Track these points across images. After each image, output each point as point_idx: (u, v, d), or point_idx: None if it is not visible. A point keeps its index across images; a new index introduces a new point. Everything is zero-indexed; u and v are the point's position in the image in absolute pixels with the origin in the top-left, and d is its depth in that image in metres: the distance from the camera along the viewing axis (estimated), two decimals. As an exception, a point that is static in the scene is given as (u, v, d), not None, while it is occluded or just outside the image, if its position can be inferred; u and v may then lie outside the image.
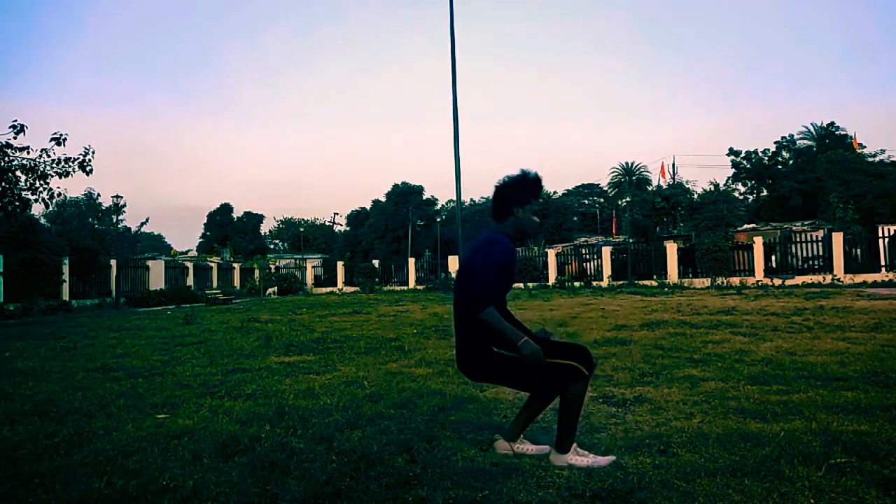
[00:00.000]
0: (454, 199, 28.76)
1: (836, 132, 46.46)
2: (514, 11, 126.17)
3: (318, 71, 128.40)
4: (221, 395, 5.06)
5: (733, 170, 45.17)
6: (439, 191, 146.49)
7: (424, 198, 53.71)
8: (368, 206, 57.29)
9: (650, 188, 56.42)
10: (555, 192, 58.54)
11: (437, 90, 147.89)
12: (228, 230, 57.81)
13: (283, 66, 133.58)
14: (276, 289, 32.96)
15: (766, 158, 43.89)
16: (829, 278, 22.56)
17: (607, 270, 27.89)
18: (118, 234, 41.55)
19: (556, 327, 9.30)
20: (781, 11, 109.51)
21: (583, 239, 41.47)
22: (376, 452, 3.26)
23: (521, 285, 27.10)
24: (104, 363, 7.14)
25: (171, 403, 4.77)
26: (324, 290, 35.24)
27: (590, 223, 60.51)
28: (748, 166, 44.34)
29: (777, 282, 22.96)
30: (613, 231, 47.42)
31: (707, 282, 24.56)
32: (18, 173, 13.82)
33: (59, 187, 32.96)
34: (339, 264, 37.98)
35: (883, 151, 40.80)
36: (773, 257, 25.70)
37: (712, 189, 41.59)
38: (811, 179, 38.72)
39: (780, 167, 43.53)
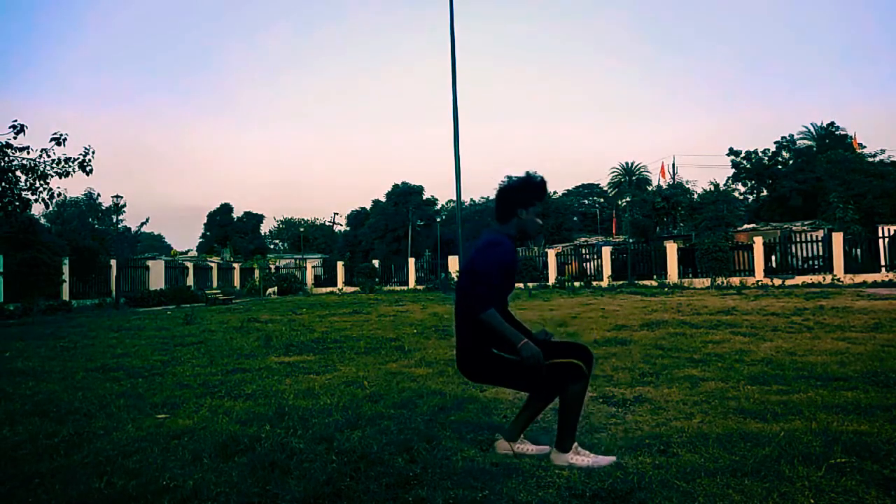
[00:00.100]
0: (454, 199, 28.75)
1: (836, 132, 46.45)
2: (514, 11, 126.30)
3: (318, 71, 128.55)
4: (221, 395, 5.07)
5: (733, 170, 45.18)
6: (439, 191, 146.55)
7: (424, 198, 53.71)
8: (368, 206, 57.29)
9: (650, 188, 56.42)
10: (555, 192, 58.58)
11: (437, 90, 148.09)
12: (228, 230, 57.82)
13: (283, 66, 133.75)
14: (276, 289, 32.96)
15: (766, 158, 43.88)
16: (829, 278, 22.57)
17: (607, 270, 27.89)
18: (118, 234, 41.52)
19: (556, 327, 9.30)
20: (781, 11, 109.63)
21: (583, 239, 41.49)
22: (376, 452, 3.26)
23: (522, 285, 27.09)
24: (104, 363, 7.14)
25: (171, 403, 4.77)
26: (324, 290, 35.24)
27: (590, 223, 60.53)
28: (748, 166, 44.33)
29: (777, 282, 22.96)
30: (613, 231, 47.42)
31: (707, 282, 24.57)
32: (18, 173, 13.86)
33: (59, 187, 32.73)
34: (339, 264, 37.98)
35: (883, 151, 40.89)
36: (773, 257, 25.70)
37: (712, 189, 41.63)
38: (811, 179, 38.71)
39: (780, 167, 43.53)
